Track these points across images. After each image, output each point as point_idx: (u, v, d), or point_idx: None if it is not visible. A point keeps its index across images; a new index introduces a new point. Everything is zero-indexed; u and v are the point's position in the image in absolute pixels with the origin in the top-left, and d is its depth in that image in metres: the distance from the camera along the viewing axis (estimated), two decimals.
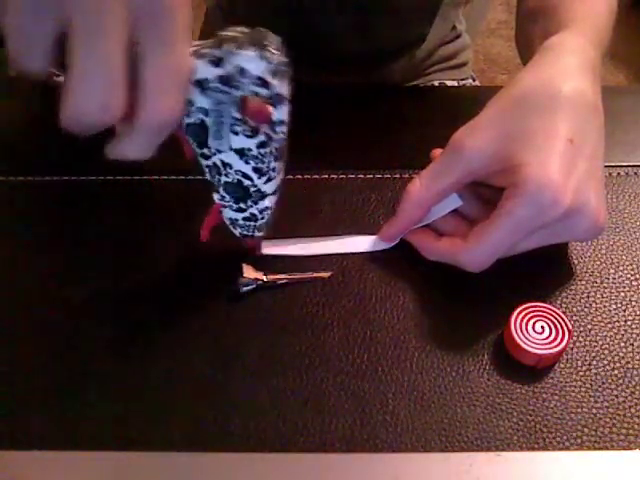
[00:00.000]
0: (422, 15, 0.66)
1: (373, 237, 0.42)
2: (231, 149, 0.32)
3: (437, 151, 0.41)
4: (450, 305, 0.39)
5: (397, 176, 0.47)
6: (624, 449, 0.33)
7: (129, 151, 0.29)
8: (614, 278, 0.40)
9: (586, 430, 0.34)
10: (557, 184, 0.33)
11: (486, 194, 0.40)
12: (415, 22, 0.66)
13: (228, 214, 0.37)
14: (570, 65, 0.37)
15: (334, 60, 0.66)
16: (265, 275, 0.39)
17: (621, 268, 0.41)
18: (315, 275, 0.40)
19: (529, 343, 0.35)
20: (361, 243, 0.42)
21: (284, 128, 0.32)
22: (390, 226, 0.41)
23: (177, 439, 0.34)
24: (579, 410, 0.34)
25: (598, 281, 0.40)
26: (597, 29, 0.43)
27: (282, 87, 0.31)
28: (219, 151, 0.32)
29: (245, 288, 0.39)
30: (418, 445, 0.33)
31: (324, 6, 0.61)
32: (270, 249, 0.41)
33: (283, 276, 0.40)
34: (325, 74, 0.66)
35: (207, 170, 0.34)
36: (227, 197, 0.36)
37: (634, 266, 0.41)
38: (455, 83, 0.74)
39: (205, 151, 0.33)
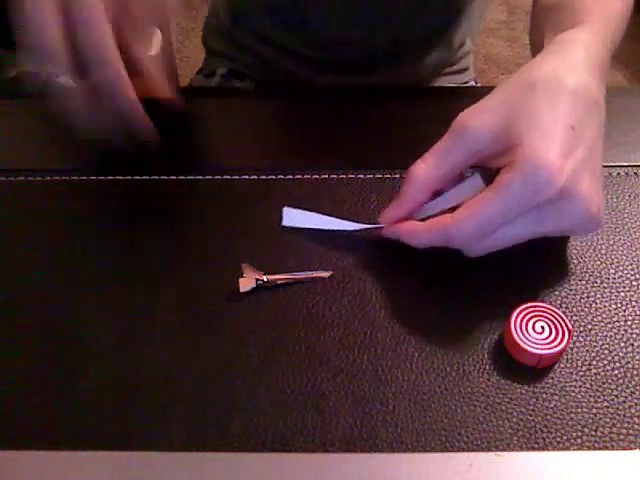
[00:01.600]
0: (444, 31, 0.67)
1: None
2: None
3: None
4: (450, 305, 0.39)
5: (397, 176, 0.47)
6: (624, 449, 0.33)
7: None
8: (614, 278, 0.40)
9: (586, 430, 0.34)
10: (554, 165, 0.34)
11: None
12: (437, 35, 0.67)
13: None
14: (578, 60, 0.38)
15: (337, 64, 0.66)
16: (265, 275, 0.39)
17: (621, 268, 0.41)
18: (315, 275, 0.40)
19: (529, 343, 0.35)
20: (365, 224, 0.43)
21: None
22: (392, 210, 0.40)
23: (177, 439, 0.34)
24: (579, 410, 0.34)
25: (598, 281, 0.40)
26: (610, 29, 0.43)
27: None
28: None
29: (245, 288, 0.39)
30: (418, 445, 0.33)
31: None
32: (290, 222, 0.43)
33: (283, 276, 0.40)
34: (328, 75, 0.67)
35: None
36: None
37: (634, 266, 0.41)
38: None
39: None
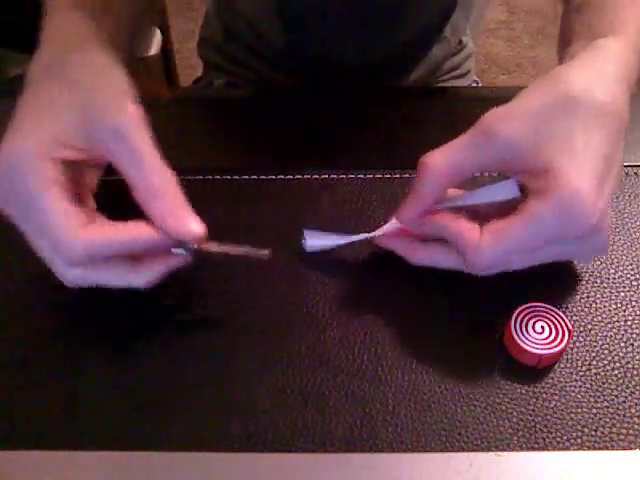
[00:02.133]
0: (430, 31, 0.67)
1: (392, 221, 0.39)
2: None
3: None
4: (450, 305, 0.39)
5: (397, 176, 0.47)
6: (624, 449, 0.33)
7: None
8: (614, 278, 0.40)
9: (586, 430, 0.34)
10: (590, 199, 0.32)
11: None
12: (423, 38, 0.66)
13: None
14: (611, 74, 0.36)
15: (336, 71, 0.66)
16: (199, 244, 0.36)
17: (621, 268, 0.41)
18: (252, 254, 0.37)
19: (529, 343, 0.35)
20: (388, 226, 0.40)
21: None
22: (407, 207, 0.37)
23: (177, 439, 0.34)
24: (579, 410, 0.34)
25: (598, 281, 0.40)
26: None
27: None
28: None
29: (175, 251, 0.36)
30: (418, 445, 0.33)
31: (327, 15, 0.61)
32: (313, 243, 0.41)
33: (217, 248, 0.37)
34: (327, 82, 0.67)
35: None
36: None
37: (634, 266, 0.41)
38: None
39: None
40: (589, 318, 0.38)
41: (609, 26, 0.40)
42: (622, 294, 0.40)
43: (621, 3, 0.41)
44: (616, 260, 0.41)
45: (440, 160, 0.35)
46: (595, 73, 0.36)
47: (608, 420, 0.34)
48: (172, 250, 0.36)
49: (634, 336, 0.38)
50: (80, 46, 0.38)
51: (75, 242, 0.33)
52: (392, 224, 0.39)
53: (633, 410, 0.34)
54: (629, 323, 0.38)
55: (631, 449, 0.33)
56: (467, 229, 0.35)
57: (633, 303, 0.39)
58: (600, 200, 0.33)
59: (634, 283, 0.40)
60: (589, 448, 0.33)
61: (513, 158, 0.34)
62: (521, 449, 0.33)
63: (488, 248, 0.34)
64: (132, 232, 0.34)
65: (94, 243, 0.33)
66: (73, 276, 0.35)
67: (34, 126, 0.35)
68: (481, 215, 0.37)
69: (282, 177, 0.47)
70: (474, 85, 0.78)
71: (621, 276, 0.40)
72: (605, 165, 0.34)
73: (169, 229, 0.34)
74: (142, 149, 0.34)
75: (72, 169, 0.36)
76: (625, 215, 0.44)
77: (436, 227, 0.36)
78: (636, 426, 0.34)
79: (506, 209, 0.35)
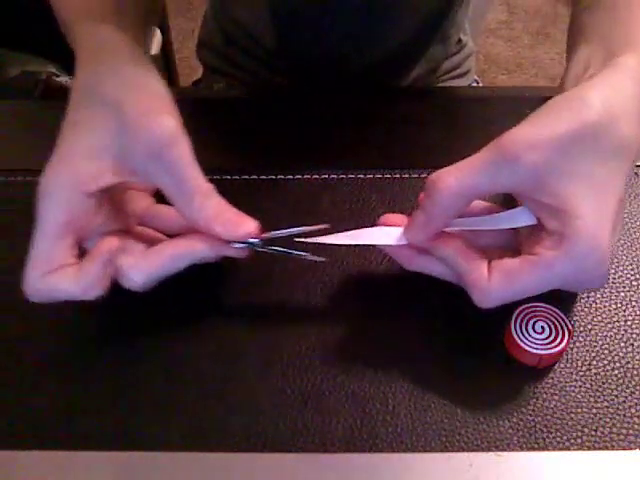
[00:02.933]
0: (428, 28, 0.66)
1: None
2: None
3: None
4: (450, 305, 0.39)
5: (397, 176, 0.47)
6: (624, 449, 0.33)
7: None
8: (614, 278, 0.40)
9: (586, 430, 0.34)
10: (605, 248, 0.32)
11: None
12: (421, 36, 0.66)
13: None
14: (633, 101, 0.34)
15: (335, 71, 0.66)
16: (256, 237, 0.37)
17: (621, 268, 0.41)
18: (316, 227, 0.37)
19: (529, 343, 0.35)
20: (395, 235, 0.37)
21: None
22: (416, 228, 0.35)
23: (177, 439, 0.34)
24: (579, 410, 0.34)
25: None
26: None
27: None
28: None
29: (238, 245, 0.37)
30: (418, 445, 0.33)
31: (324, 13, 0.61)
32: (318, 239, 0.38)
33: (278, 233, 0.37)
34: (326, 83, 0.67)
35: None
36: None
37: (634, 266, 0.41)
38: None
39: None
40: (589, 318, 0.38)
41: (626, 34, 0.37)
42: (622, 294, 0.40)
43: (635, 1, 0.39)
44: (616, 260, 0.41)
45: (453, 182, 0.32)
46: (618, 99, 0.34)
47: (608, 420, 0.34)
48: (233, 245, 0.37)
49: (634, 336, 0.38)
50: (112, 64, 0.37)
51: (27, 285, 0.36)
52: (398, 238, 0.37)
53: (633, 410, 0.34)
54: (629, 323, 0.38)
55: (631, 449, 0.33)
56: (476, 266, 0.34)
57: (633, 303, 0.39)
58: (610, 245, 0.32)
59: (634, 283, 0.40)
60: (589, 448, 0.33)
61: (533, 187, 0.33)
62: (521, 449, 0.33)
63: (496, 291, 0.33)
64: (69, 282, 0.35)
65: (38, 293, 0.36)
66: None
67: (69, 160, 0.35)
68: (487, 235, 0.37)
69: (282, 177, 0.47)
70: (474, 85, 0.78)
71: (621, 276, 0.40)
72: (619, 207, 0.33)
73: (222, 234, 0.36)
74: (180, 168, 0.36)
75: (116, 191, 0.37)
76: (625, 215, 0.44)
77: (445, 254, 0.35)
78: (636, 426, 0.34)
79: (513, 232, 0.36)
